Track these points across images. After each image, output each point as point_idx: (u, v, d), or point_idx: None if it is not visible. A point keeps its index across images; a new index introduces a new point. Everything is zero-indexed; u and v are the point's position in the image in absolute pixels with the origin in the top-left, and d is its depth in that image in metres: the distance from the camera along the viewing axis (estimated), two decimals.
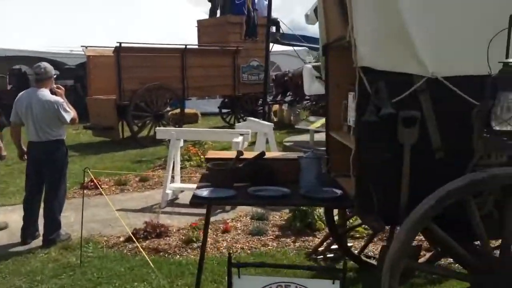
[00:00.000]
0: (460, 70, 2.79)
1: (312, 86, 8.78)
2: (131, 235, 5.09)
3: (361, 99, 2.85)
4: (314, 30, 15.39)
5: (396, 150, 2.84)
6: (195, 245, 5.05)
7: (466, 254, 2.60)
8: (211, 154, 3.76)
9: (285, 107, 15.52)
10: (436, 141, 2.85)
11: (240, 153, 3.43)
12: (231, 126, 15.07)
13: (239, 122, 14.61)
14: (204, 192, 3.18)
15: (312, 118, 8.62)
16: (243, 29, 13.89)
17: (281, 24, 14.56)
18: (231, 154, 3.81)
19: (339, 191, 3.15)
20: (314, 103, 12.42)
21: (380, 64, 2.79)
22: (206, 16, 15.54)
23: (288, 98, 14.94)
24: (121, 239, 5.34)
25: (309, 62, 12.88)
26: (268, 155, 3.70)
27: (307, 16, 8.50)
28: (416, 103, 2.83)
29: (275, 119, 14.91)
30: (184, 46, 12.60)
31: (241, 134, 6.45)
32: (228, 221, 5.82)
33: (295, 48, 15.06)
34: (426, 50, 2.76)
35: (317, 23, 8.76)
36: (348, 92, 3.53)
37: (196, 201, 3.05)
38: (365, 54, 2.77)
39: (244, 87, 14.05)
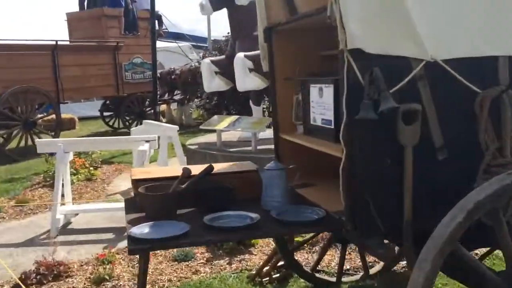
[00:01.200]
0: (460, 52, 2.31)
1: (213, 83, 7.99)
2: (19, 281, 3.92)
3: (351, 92, 2.22)
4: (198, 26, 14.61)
5: (395, 153, 2.28)
6: (109, 284, 4.04)
7: (499, 280, 2.10)
8: (138, 173, 2.86)
9: (173, 106, 14.53)
10: (438, 139, 2.34)
11: (187, 171, 2.59)
12: (116, 131, 13.70)
13: (126, 125, 13.32)
14: (145, 230, 2.30)
15: (216, 118, 7.88)
16: (121, 23, 12.59)
17: (163, 18, 13.54)
18: (163, 171, 2.94)
19: (320, 211, 2.48)
20: (208, 101, 11.68)
21: (373, 46, 2.18)
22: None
23: (177, 97, 13.98)
24: None
25: (199, 59, 12.12)
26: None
27: (202, 5, 7.70)
28: (414, 94, 2.28)
29: (164, 120, 13.87)
30: (54, 42, 10.97)
31: (147, 141, 5.49)
32: None
33: (179, 44, 14.18)
34: (424, 27, 2.22)
35: (214, 12, 8.11)
36: (311, 85, 2.89)
37: (139, 246, 2.16)
38: (357, 32, 2.14)
39: (129, 86, 12.76)
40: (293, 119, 3.28)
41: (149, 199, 2.51)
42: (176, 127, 6.74)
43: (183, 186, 2.58)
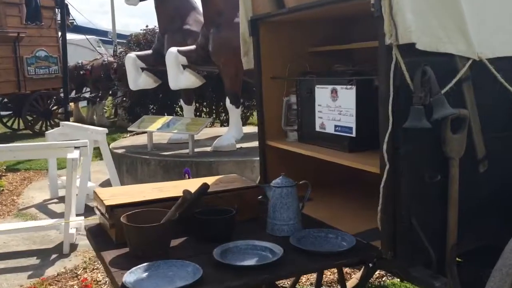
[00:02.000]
0: (502, 51, 2.05)
1: (139, 80, 7.25)
2: None
3: (397, 95, 1.86)
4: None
5: (440, 167, 1.96)
6: None
7: None
8: (109, 196, 2.21)
9: (82, 104, 13.31)
10: (481, 149, 2.06)
11: (189, 195, 2.03)
12: (15, 132, 12.20)
13: (28, 126, 11.89)
14: (142, 275, 1.74)
15: (146, 118, 7.15)
16: (23, 12, 11.17)
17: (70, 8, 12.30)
18: (138, 192, 2.35)
19: (346, 236, 2.08)
20: (124, 99, 10.76)
21: (424, 41, 1.84)
22: None
23: (87, 94, 12.80)
24: None
25: (108, 54, 11.13)
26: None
27: None
28: (459, 97, 1.98)
29: (71, 120, 12.63)
30: None
31: (77, 147, 4.71)
32: (80, 273, 4.12)
33: (87, 37, 13.01)
34: (472, 24, 1.93)
35: (140, 3, 7.35)
36: (316, 86, 2.47)
37: None
38: (413, 25, 1.78)
39: (32, 83, 11.37)
40: (282, 124, 2.84)
41: (139, 232, 1.93)
42: (105, 130, 5.96)
43: (178, 213, 2.04)
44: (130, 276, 1.73)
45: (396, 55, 1.81)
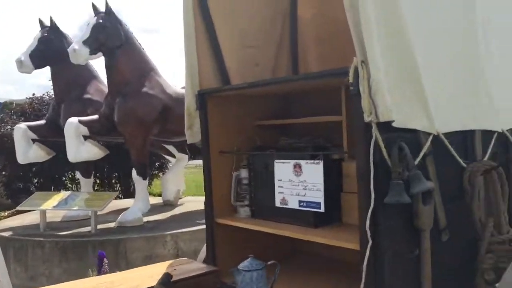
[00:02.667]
0: (454, 126, 2.23)
1: (29, 152, 6.58)
2: None
3: (377, 171, 1.88)
4: None
5: (414, 241, 1.99)
6: None
7: None
8: None
9: None
10: (443, 219, 2.15)
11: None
12: None
13: None
14: None
15: (38, 195, 6.41)
16: None
17: None
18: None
19: None
20: (4, 172, 9.61)
21: (398, 119, 1.91)
22: None
23: None
24: None
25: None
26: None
27: (20, 62, 6.40)
28: (423, 171, 2.07)
29: None
30: None
31: None
32: None
33: None
34: (432, 102, 2.08)
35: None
36: (276, 161, 2.41)
37: None
38: (391, 104, 1.84)
39: None
40: (232, 200, 2.72)
41: None
42: None
43: None
44: None
45: (375, 132, 1.85)
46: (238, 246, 2.66)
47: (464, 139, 2.30)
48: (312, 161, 2.24)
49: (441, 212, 2.14)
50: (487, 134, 2.42)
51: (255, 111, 2.88)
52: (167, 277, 1.96)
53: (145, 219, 6.06)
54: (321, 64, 3.21)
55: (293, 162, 2.31)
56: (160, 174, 9.80)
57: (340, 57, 3.39)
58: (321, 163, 2.20)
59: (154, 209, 6.62)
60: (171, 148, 7.45)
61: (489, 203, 2.29)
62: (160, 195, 8.06)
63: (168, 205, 7.15)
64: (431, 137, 2.08)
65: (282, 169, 2.37)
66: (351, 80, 1.87)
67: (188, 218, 6.14)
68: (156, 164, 9.94)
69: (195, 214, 6.16)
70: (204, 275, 2.18)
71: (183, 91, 6.37)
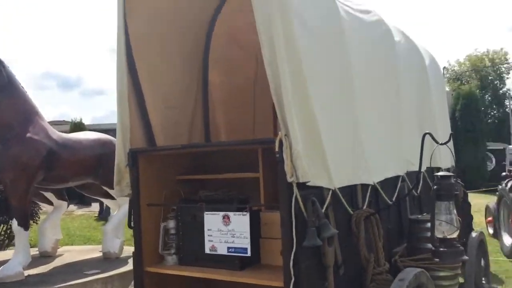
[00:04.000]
0: (344, 182, 2.87)
1: None
2: None
3: (296, 220, 2.40)
4: None
5: (322, 276, 2.54)
6: None
7: None
8: None
9: None
10: (339, 256, 2.74)
11: None
12: None
13: None
14: None
15: None
16: None
17: None
18: None
19: None
20: None
21: (311, 179, 2.48)
22: None
23: None
24: None
25: None
26: None
27: None
28: (327, 218, 2.65)
29: None
30: None
31: None
32: None
33: None
34: (331, 164, 2.69)
35: None
36: (205, 212, 2.79)
37: None
38: (307, 168, 2.40)
39: None
40: (160, 249, 3.01)
41: None
42: None
43: None
44: None
45: (295, 190, 2.39)
46: None
47: (350, 192, 2.95)
48: (240, 212, 2.69)
49: (338, 251, 2.73)
50: (364, 187, 3.12)
51: (176, 167, 3.25)
52: None
53: (26, 272, 5.76)
54: (228, 127, 3.75)
55: (222, 213, 2.73)
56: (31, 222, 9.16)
57: (245, 122, 3.99)
58: (248, 214, 2.67)
59: (32, 261, 6.28)
60: (49, 195, 7.18)
61: (369, 242, 2.96)
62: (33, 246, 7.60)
63: (45, 256, 6.81)
64: (330, 192, 2.68)
65: (212, 219, 2.77)
66: (277, 149, 2.40)
67: (73, 269, 5.93)
68: None
69: (79, 265, 5.98)
70: None
71: (68, 136, 6.37)
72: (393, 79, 3.82)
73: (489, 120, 38.74)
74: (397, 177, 3.64)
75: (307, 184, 2.46)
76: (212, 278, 3.07)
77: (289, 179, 2.38)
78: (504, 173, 9.69)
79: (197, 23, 3.65)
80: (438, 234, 2.66)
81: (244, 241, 2.66)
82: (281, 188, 2.43)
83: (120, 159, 3.00)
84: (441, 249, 2.64)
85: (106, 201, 7.43)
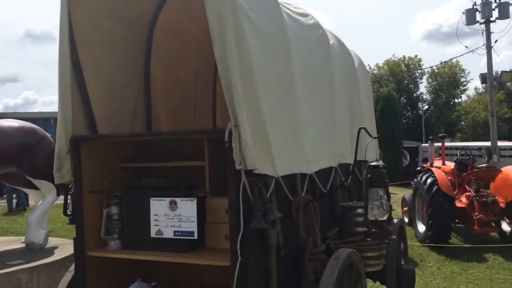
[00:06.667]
0: (286, 171, 3.05)
1: None
2: None
3: (244, 206, 2.54)
4: None
5: (265, 255, 2.71)
6: None
7: None
8: None
9: None
10: (280, 239, 2.92)
11: None
12: None
13: None
14: None
15: None
16: None
17: None
18: None
19: None
20: None
21: (258, 167, 2.62)
22: None
23: None
24: None
25: None
26: None
27: None
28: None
29: None
30: None
31: None
32: None
33: None
34: (274, 153, 2.86)
35: None
36: (151, 198, 2.84)
37: None
38: (255, 157, 2.54)
39: None
40: (102, 234, 3.02)
41: None
42: None
43: None
44: None
45: (243, 178, 2.53)
46: (109, 279, 2.98)
47: (290, 180, 3.15)
48: (187, 198, 2.78)
49: (280, 234, 2.91)
50: (303, 176, 3.34)
51: (119, 155, 3.26)
52: None
53: None
54: (170, 118, 3.80)
55: (169, 199, 2.81)
56: None
57: (186, 113, 4.07)
58: (195, 200, 2.77)
59: None
60: None
61: (308, 226, 3.18)
62: None
63: None
64: (274, 180, 2.85)
65: (158, 205, 2.84)
66: (226, 138, 2.52)
67: None
68: None
69: (0, 256, 5.77)
70: None
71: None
72: (328, 79, 4.10)
73: (404, 121, 41.41)
74: (331, 168, 3.91)
75: (254, 172, 2.61)
76: (156, 264, 3.15)
77: (238, 167, 2.52)
78: (418, 168, 10.52)
79: (140, 16, 3.67)
80: (371, 217, 2.92)
81: (191, 225, 2.76)
82: (229, 176, 2.56)
83: (61, 146, 2.98)
84: (373, 230, 2.91)
85: (30, 192, 7.14)
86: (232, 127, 2.52)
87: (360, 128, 3.24)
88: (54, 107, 3.26)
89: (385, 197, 2.89)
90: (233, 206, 2.55)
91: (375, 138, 3.40)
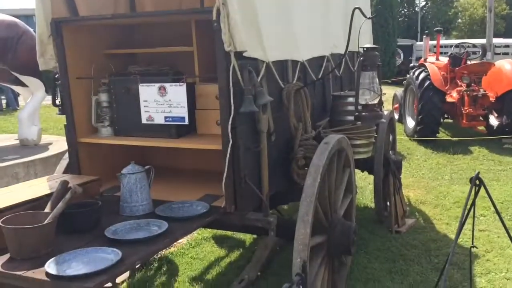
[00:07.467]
0: (277, 56, 2.97)
1: None
2: None
3: (234, 89, 2.50)
4: None
5: (256, 139, 2.72)
6: None
7: None
8: None
9: None
10: (271, 124, 2.92)
11: (78, 189, 2.06)
12: None
13: None
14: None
15: None
16: None
17: None
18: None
19: (200, 204, 2.59)
20: None
21: (248, 50, 2.54)
22: None
23: None
24: None
25: None
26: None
27: None
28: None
29: None
30: None
31: None
32: None
33: None
34: (265, 38, 2.76)
35: None
36: (140, 84, 2.78)
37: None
38: (244, 39, 2.45)
39: None
40: (93, 121, 3.01)
41: (26, 233, 1.89)
42: None
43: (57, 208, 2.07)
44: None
45: (233, 60, 2.45)
46: (103, 165, 3.02)
47: (281, 67, 3.08)
48: (176, 83, 2.72)
49: (271, 119, 2.91)
50: (294, 63, 3.26)
51: (104, 40, 3.13)
52: (65, 183, 2.26)
53: None
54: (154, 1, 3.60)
55: (158, 85, 2.75)
56: None
57: None
58: (185, 85, 2.71)
59: None
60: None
61: (298, 113, 3.17)
62: None
63: None
64: (264, 64, 2.78)
65: (147, 91, 2.78)
66: (214, 18, 2.40)
67: None
68: None
69: None
70: (90, 182, 2.52)
71: None
72: None
73: (400, 19, 40.15)
74: (323, 57, 3.82)
75: (244, 54, 2.53)
76: (149, 150, 3.18)
77: (227, 48, 2.43)
78: (412, 64, 10.40)
79: None
80: (361, 101, 2.90)
81: (181, 111, 2.74)
82: (218, 58, 2.48)
83: (42, 30, 2.84)
84: (363, 113, 2.91)
85: (17, 89, 7.03)
86: (220, 5, 2.39)
87: (355, 8, 3.09)
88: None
89: (377, 80, 2.85)
90: (223, 89, 2.51)
91: (370, 18, 3.27)
